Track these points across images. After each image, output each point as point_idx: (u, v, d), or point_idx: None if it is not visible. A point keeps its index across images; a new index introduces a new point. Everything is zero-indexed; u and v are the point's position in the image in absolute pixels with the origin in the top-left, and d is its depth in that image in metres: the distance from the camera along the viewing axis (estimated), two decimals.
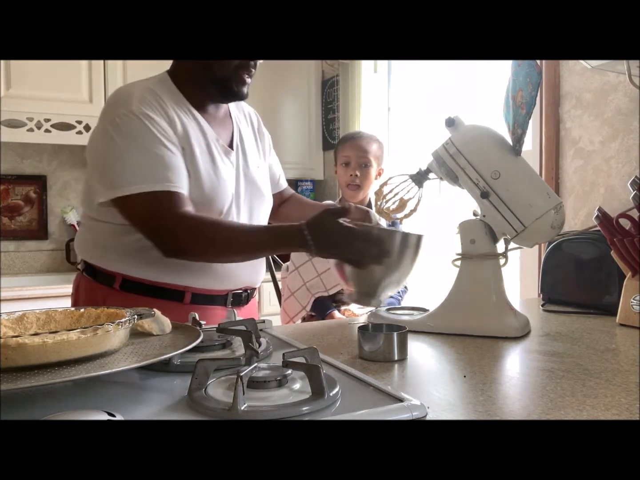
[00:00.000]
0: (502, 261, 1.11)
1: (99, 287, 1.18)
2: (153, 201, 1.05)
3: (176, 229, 1.04)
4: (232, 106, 1.29)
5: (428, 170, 1.18)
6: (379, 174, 1.94)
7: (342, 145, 1.96)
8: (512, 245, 1.12)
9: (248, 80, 1.16)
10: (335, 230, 0.98)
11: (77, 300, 1.25)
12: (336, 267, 1.09)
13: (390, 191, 1.22)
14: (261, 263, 1.31)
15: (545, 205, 1.05)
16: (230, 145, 1.21)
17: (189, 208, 1.07)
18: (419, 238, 1.07)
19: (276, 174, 1.41)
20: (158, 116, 1.09)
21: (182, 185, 1.07)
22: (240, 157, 1.23)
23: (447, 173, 1.13)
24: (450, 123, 1.12)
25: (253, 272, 1.26)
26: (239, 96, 1.18)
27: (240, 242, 1.06)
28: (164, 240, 1.06)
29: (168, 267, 1.12)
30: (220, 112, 1.24)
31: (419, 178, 1.19)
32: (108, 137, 1.08)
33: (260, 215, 1.27)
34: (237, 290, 1.23)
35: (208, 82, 1.15)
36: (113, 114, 1.08)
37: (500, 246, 1.12)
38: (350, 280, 1.10)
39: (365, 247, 0.98)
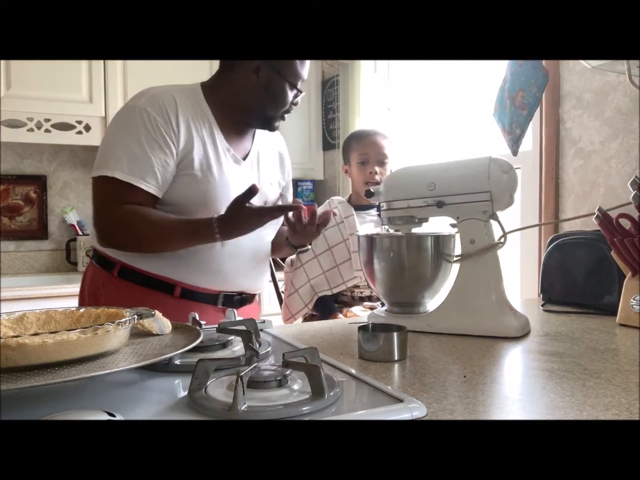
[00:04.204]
0: (502, 262, 1.11)
1: (101, 271, 1.26)
2: (104, 187, 1.13)
3: (109, 220, 1.13)
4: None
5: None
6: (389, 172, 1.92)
7: (357, 144, 1.90)
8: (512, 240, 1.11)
9: (285, 117, 1.30)
10: (236, 212, 1.07)
11: (84, 285, 1.33)
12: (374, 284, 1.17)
13: None
14: (263, 270, 1.35)
15: (481, 164, 1.07)
16: (244, 158, 1.27)
17: (140, 203, 1.12)
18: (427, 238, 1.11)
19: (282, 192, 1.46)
20: (160, 117, 1.13)
21: (144, 181, 1.11)
22: (254, 170, 1.30)
23: (406, 221, 1.15)
24: (370, 195, 1.19)
25: (251, 277, 1.30)
26: (272, 130, 1.31)
27: (162, 235, 1.14)
28: (96, 227, 1.15)
29: (162, 260, 1.20)
30: (243, 130, 1.30)
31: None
32: (110, 124, 1.19)
33: (269, 225, 1.32)
34: (229, 292, 1.27)
35: (248, 115, 1.25)
36: (122, 107, 1.18)
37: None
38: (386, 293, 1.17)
39: (260, 213, 1.09)
